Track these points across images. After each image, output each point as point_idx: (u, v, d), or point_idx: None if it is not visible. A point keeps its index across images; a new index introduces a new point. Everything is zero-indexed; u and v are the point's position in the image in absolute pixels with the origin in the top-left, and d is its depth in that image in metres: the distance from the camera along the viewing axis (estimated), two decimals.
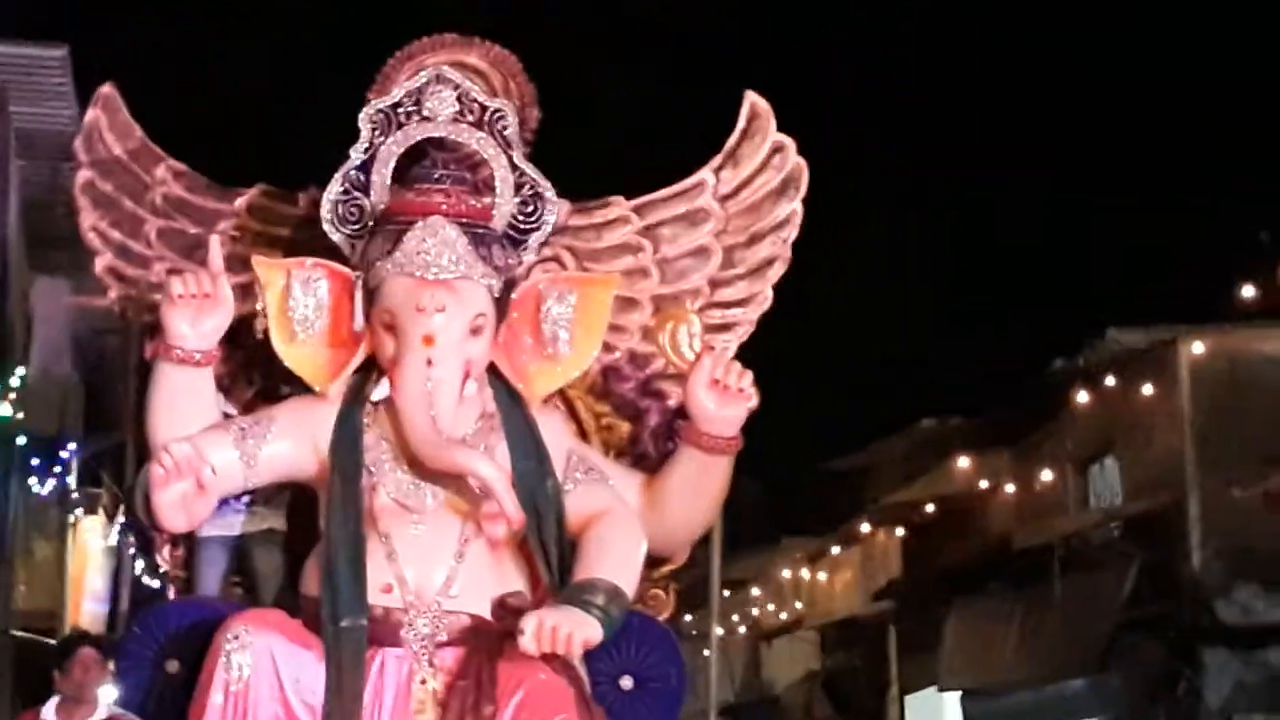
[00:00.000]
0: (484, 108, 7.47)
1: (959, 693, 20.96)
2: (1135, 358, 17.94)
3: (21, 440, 15.42)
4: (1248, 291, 15.54)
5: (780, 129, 8.08)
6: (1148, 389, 17.83)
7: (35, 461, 16.10)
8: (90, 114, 8.20)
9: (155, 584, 8.11)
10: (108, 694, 7.88)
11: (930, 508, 21.92)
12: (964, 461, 20.73)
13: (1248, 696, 16.58)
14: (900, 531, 23.08)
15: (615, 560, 6.97)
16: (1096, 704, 18.08)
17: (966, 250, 30.08)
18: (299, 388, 7.31)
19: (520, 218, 7.41)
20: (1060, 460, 19.80)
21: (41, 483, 16.45)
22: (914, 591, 22.18)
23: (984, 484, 20.85)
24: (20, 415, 14.98)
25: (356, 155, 7.41)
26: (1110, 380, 18.17)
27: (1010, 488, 20.44)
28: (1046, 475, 19.67)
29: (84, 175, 8.07)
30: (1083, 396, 18.46)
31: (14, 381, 14.72)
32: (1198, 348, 17.50)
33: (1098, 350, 18.11)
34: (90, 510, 18.18)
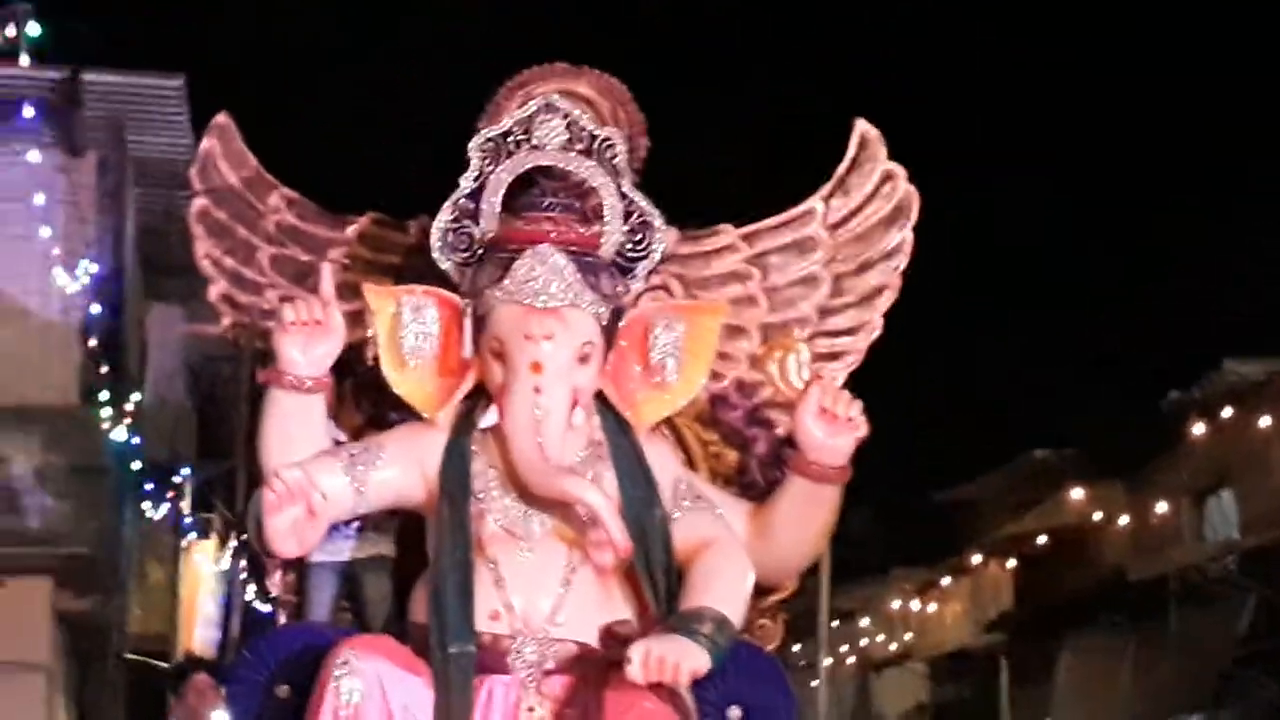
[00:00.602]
0: (593, 136, 7.48)
1: None
2: (1252, 389, 17.74)
3: (136, 465, 15.59)
4: None
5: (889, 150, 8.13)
6: (1265, 421, 17.62)
7: (149, 486, 16.28)
8: (205, 143, 8.30)
9: (266, 609, 8.16)
10: (221, 718, 7.95)
11: (1042, 539, 21.73)
12: (1077, 493, 20.56)
13: None
14: (1012, 563, 22.89)
15: (723, 589, 6.96)
16: None
17: (1084, 281, 29.84)
18: (408, 414, 7.35)
19: (629, 246, 7.42)
20: (1176, 492, 19.59)
21: (155, 507, 16.66)
22: (1026, 624, 21.99)
23: (1098, 516, 20.66)
24: (136, 442, 15.16)
25: (466, 184, 7.45)
26: (1227, 412, 17.97)
27: (1124, 520, 20.25)
28: (1161, 507, 19.47)
29: (199, 203, 8.16)
30: (1199, 428, 18.27)
31: (129, 407, 14.89)
32: None
33: (1214, 382, 17.93)
34: (203, 535, 18.38)
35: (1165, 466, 19.63)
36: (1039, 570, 22.03)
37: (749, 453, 7.73)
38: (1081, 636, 20.00)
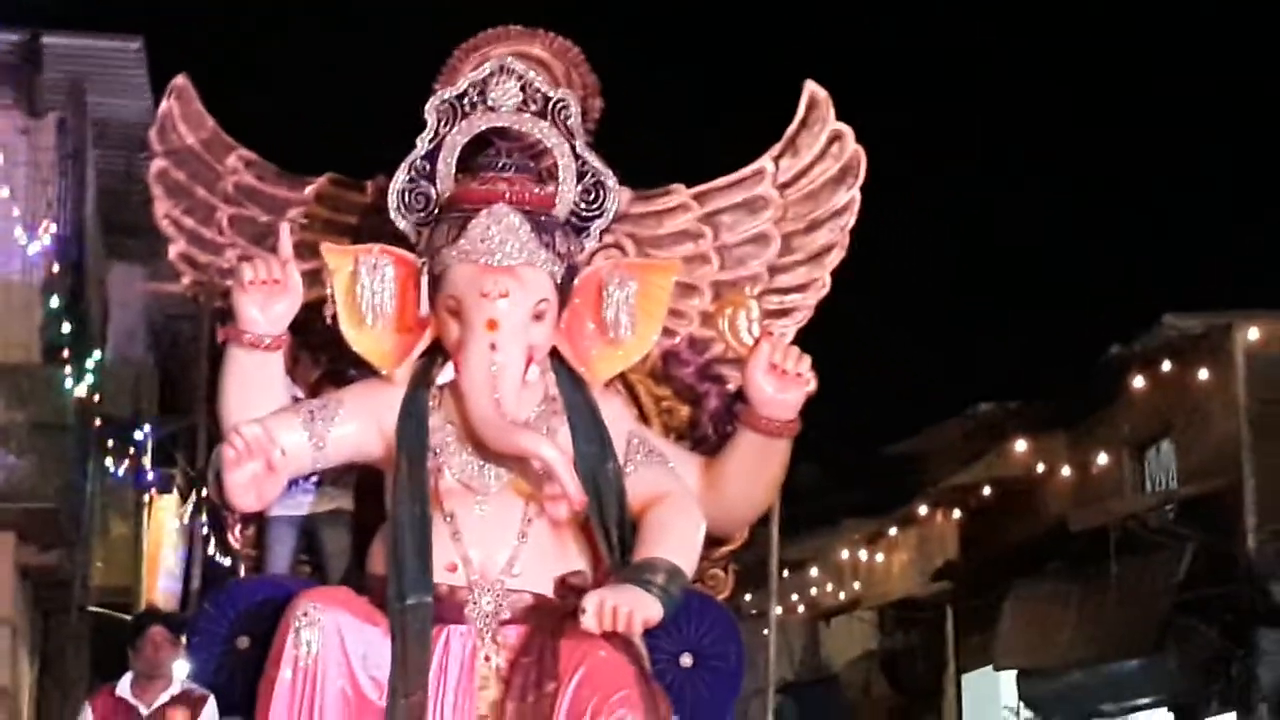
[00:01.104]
0: (547, 98, 7.48)
1: (1015, 672, 20.91)
2: (1191, 343, 17.84)
3: (98, 421, 15.55)
4: None
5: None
6: (1203, 374, 17.72)
7: (111, 442, 16.23)
8: (164, 105, 8.26)
9: (227, 562, 8.17)
10: (181, 669, 7.96)
11: (987, 490, 21.81)
12: (1021, 445, 20.62)
13: None
14: (958, 514, 22.97)
15: (675, 541, 6.99)
16: (1151, 684, 18.00)
17: (1024, 235, 29.94)
18: (366, 371, 7.35)
19: (583, 205, 7.43)
20: (1116, 444, 19.69)
21: (117, 464, 16.60)
22: (971, 573, 22.11)
23: (1041, 467, 20.73)
24: (98, 399, 15.10)
25: (423, 144, 7.44)
26: (1166, 365, 18.06)
27: (1067, 471, 20.33)
28: (1103, 459, 19.56)
29: (158, 164, 8.13)
30: (1139, 381, 18.36)
31: (91, 365, 14.83)
32: (1253, 333, 17.39)
33: (1154, 336, 18.01)
34: (164, 490, 18.32)
35: (1106, 419, 19.74)
36: (984, 520, 22.16)
37: (701, 407, 7.75)
38: (1025, 585, 20.10)
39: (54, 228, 14.37)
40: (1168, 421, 18.83)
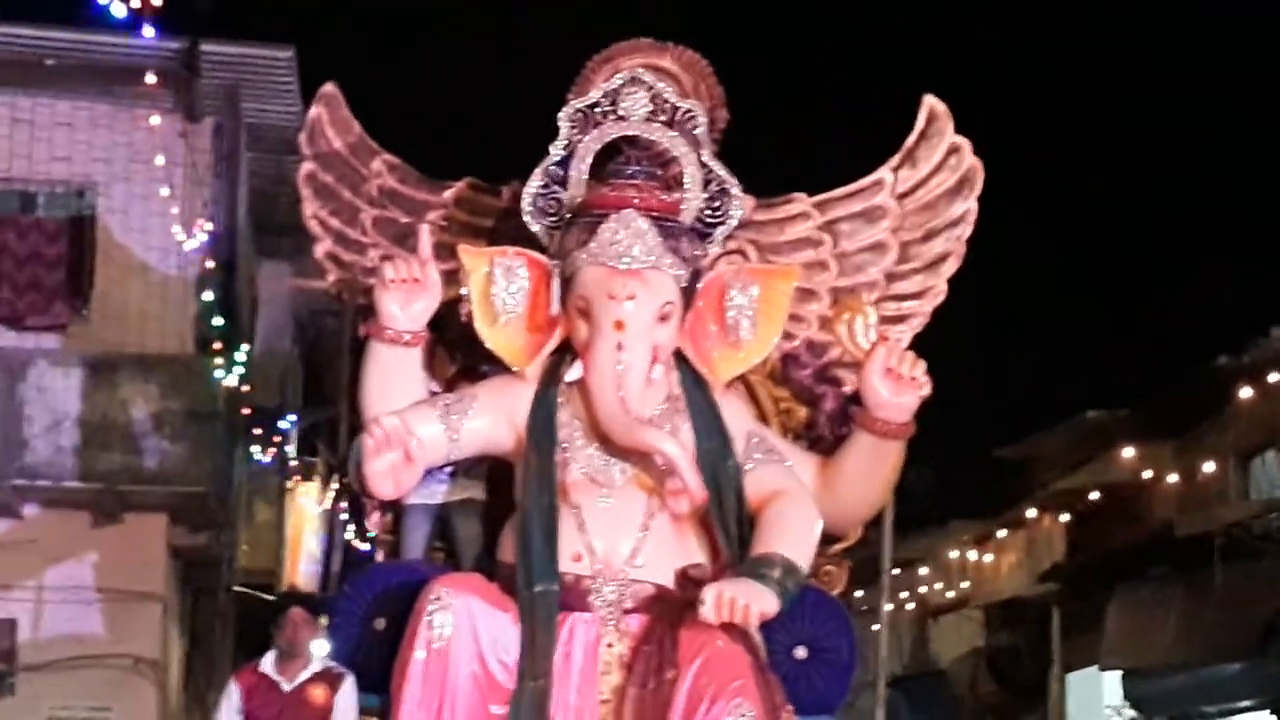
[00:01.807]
0: (675, 108, 7.47)
1: (1119, 672, 20.66)
2: None
3: (246, 411, 15.73)
4: None
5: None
6: None
7: (258, 431, 16.41)
8: (313, 111, 8.35)
9: (365, 547, 8.22)
10: (321, 648, 8.02)
11: (1095, 495, 21.55)
12: (1129, 451, 20.35)
13: None
14: (1065, 517, 22.73)
15: (792, 537, 6.96)
16: (1252, 687, 17.74)
17: (1136, 246, 29.59)
18: (499, 368, 7.38)
19: (708, 212, 7.42)
20: (1223, 452, 19.41)
21: (263, 451, 16.78)
22: (1078, 575, 21.86)
23: (1148, 473, 20.47)
24: (247, 389, 15.28)
25: (556, 151, 7.46)
26: (1274, 376, 17.77)
27: (1173, 478, 20.06)
28: (1209, 466, 19.28)
29: (307, 167, 8.22)
30: (1246, 391, 18.07)
31: (240, 357, 15.00)
32: None
33: (1262, 347, 17.73)
34: (307, 478, 18.51)
35: (1213, 428, 19.46)
36: (1090, 524, 21.91)
37: (818, 409, 7.72)
38: (1130, 587, 19.86)
39: (209, 226, 14.53)
40: (1274, 431, 18.54)
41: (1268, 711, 18.17)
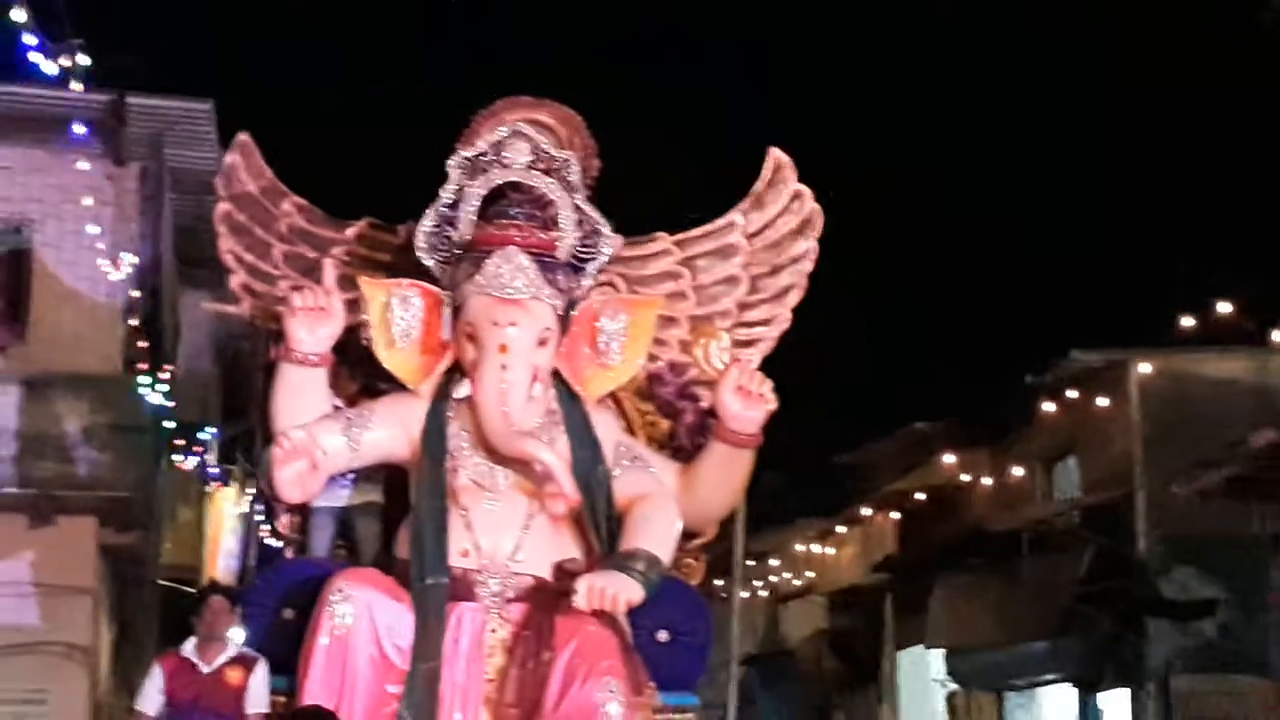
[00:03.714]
0: (553, 158, 7.48)
1: (943, 650, 20.88)
2: (1093, 375, 17.83)
3: (170, 424, 15.52)
4: (1188, 321, 15.47)
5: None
6: (1103, 401, 17.72)
7: (180, 442, 16.19)
8: (229, 157, 8.26)
9: (276, 545, 8.14)
10: (237, 635, 7.93)
11: (920, 496, 21.78)
12: (949, 458, 20.59)
13: (1183, 659, 16.47)
14: (895, 515, 22.95)
15: (655, 534, 6.98)
16: (1056, 663, 17.98)
17: (954, 280, 30.00)
18: (395, 386, 7.34)
19: (581, 249, 7.43)
20: (1030, 458, 19.69)
21: (185, 459, 16.54)
22: (906, 565, 22.07)
23: (965, 477, 20.71)
24: (170, 405, 15.08)
25: (446, 195, 7.43)
26: (1072, 393, 18.05)
27: (987, 480, 20.32)
28: (1018, 471, 19.55)
29: (222, 207, 8.12)
30: (1049, 406, 18.34)
31: (164, 375, 14.80)
32: (1145, 368, 17.39)
33: (1063, 367, 18.01)
34: (225, 483, 18.27)
35: (1021, 437, 19.75)
36: (917, 521, 22.15)
37: (679, 422, 7.74)
38: (951, 576, 20.09)
39: (134, 259, 14.30)
40: (1073, 440, 18.83)
41: (1069, 684, 18.44)
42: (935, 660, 21.59)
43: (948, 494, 21.10)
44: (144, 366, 14.13)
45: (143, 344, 14.27)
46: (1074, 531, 17.91)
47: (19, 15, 9.52)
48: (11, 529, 13.42)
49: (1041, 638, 17.73)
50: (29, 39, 9.67)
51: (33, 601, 13.56)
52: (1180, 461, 16.01)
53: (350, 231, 7.98)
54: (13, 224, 14.26)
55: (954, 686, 21.33)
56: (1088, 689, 18.08)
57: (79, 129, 13.07)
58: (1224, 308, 14.85)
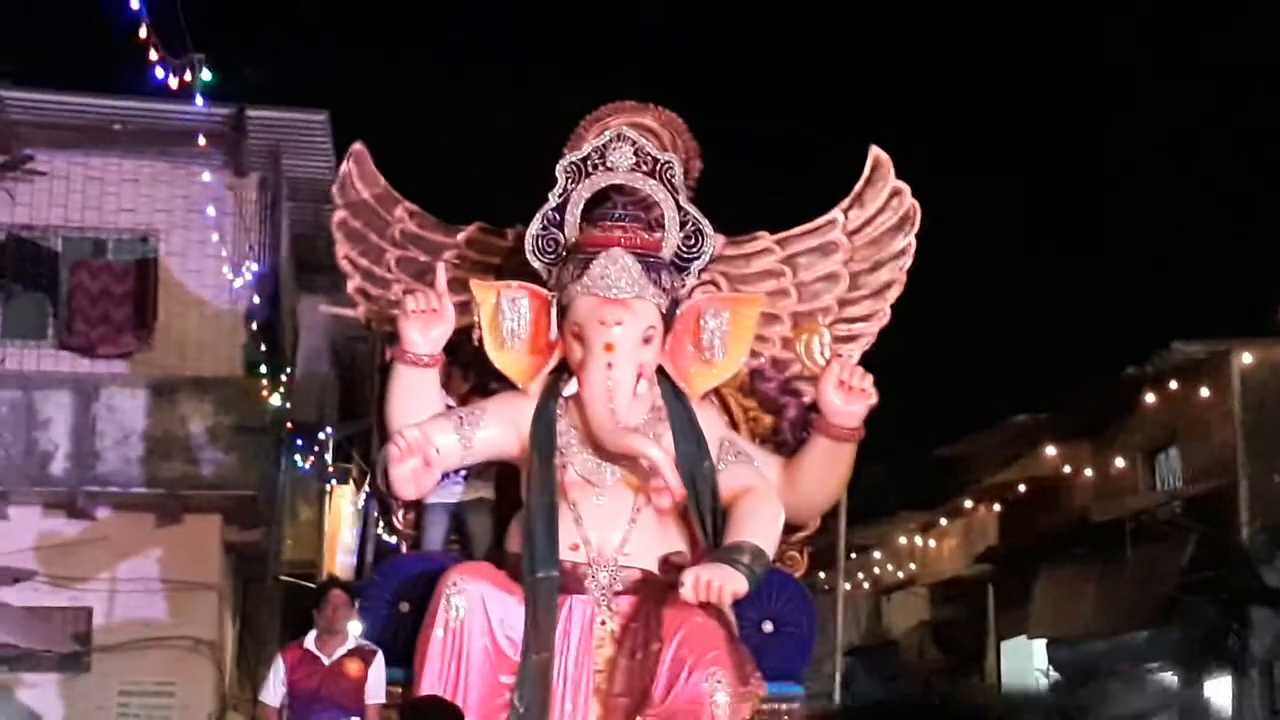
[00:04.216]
0: (656, 160, 7.51)
1: (1045, 640, 20.65)
2: (1194, 366, 17.54)
3: (289, 425, 15.69)
4: None
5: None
6: (1204, 391, 17.42)
7: (300, 442, 16.36)
8: (344, 166, 8.36)
9: (392, 541, 8.21)
10: (355, 628, 7.99)
11: (1022, 487, 21.52)
12: (1051, 450, 20.33)
13: None
14: (997, 507, 22.70)
15: (759, 527, 6.98)
16: (1159, 652, 17.71)
17: (1055, 273, 29.63)
18: (505, 385, 7.41)
19: (684, 249, 7.44)
20: (1131, 450, 19.40)
21: (304, 459, 16.70)
22: (1009, 556, 21.83)
23: (1067, 469, 20.46)
24: (289, 406, 15.24)
25: (554, 199, 7.49)
26: (1173, 384, 17.77)
27: (1089, 472, 20.06)
28: (1120, 462, 19.27)
29: (338, 215, 8.22)
30: (1150, 397, 18.07)
31: (284, 378, 14.96)
32: (1247, 358, 17.08)
33: (1163, 358, 17.73)
34: (342, 481, 18.43)
35: (1123, 428, 19.47)
36: (1019, 513, 21.89)
37: (782, 417, 7.73)
38: (1053, 567, 19.85)
39: (255, 266, 14.48)
40: (1175, 431, 18.54)
41: (1171, 673, 18.17)
42: (1038, 650, 21.34)
43: (1049, 485, 20.84)
44: (264, 370, 14.30)
45: (263, 348, 14.44)
46: (1176, 521, 17.64)
47: (143, 33, 9.67)
48: (140, 528, 13.63)
49: (1144, 627, 17.48)
50: (154, 56, 9.82)
51: (160, 597, 13.77)
52: None
53: (460, 236, 8.05)
54: (139, 234, 14.47)
55: (1056, 676, 21.09)
56: (1191, 678, 17.80)
57: (202, 142, 13.26)
58: None
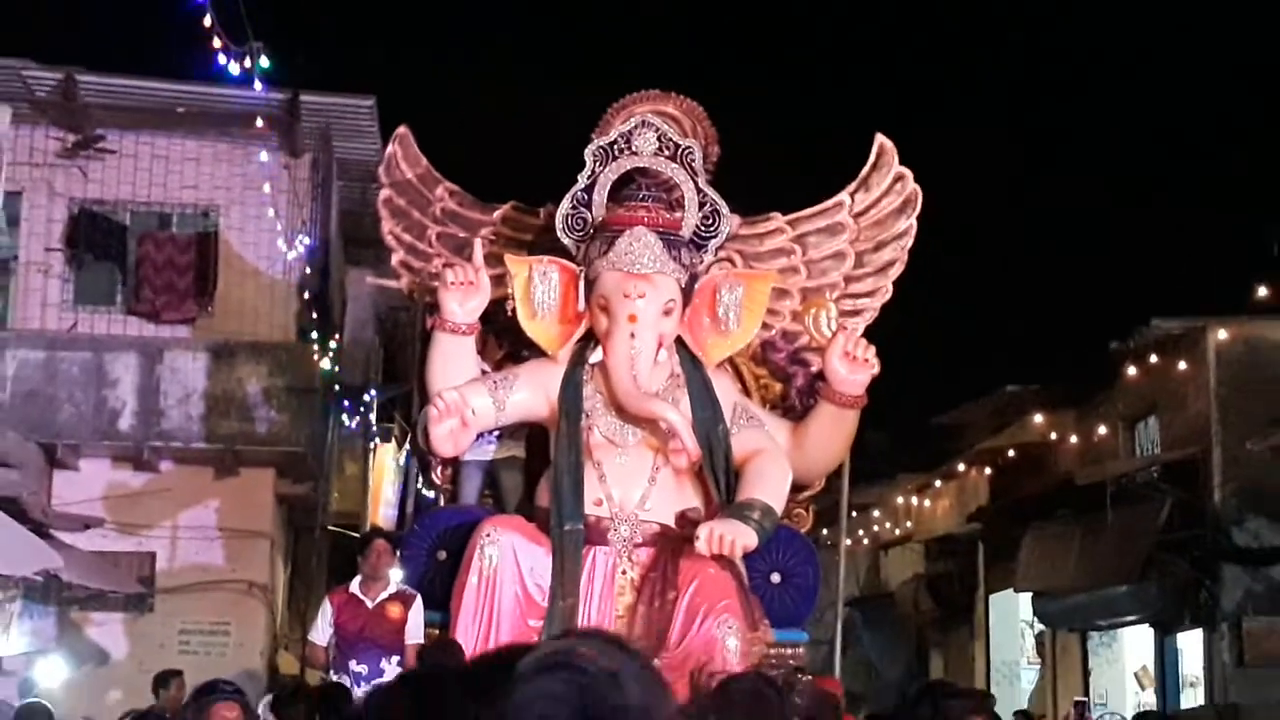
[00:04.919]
0: (677, 145, 7.48)
1: (1030, 594, 20.63)
2: (1173, 341, 17.44)
3: (337, 387, 15.71)
4: (1262, 290, 15.08)
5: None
6: (1182, 365, 17.33)
7: (347, 403, 16.38)
8: (390, 148, 8.36)
9: (430, 495, 8.22)
10: (396, 574, 8.01)
11: (1011, 453, 21.46)
12: (1038, 418, 20.26)
13: (1254, 602, 16.09)
14: (988, 471, 22.65)
15: (768, 486, 6.98)
16: (1136, 605, 17.65)
17: (1044, 253, 29.48)
18: (536, 352, 7.41)
19: (703, 228, 7.42)
20: (1113, 419, 19.32)
21: (351, 419, 16.73)
22: (998, 516, 21.78)
23: (1053, 435, 20.40)
24: (337, 369, 15.26)
25: (582, 180, 7.48)
26: (1154, 358, 17.69)
27: (1074, 439, 19.99)
28: (1102, 430, 19.19)
29: (384, 193, 8.22)
30: (1131, 370, 17.97)
31: (332, 344, 14.97)
32: (1222, 334, 16.97)
33: (1144, 334, 17.63)
34: (385, 439, 18.45)
35: (1106, 399, 19.39)
36: (1008, 476, 21.84)
37: (790, 385, 7.73)
38: (1039, 526, 19.80)
39: (306, 240, 14.48)
40: (1154, 402, 18.44)
41: (1147, 625, 18.13)
42: (1024, 603, 21.32)
43: (1037, 451, 20.79)
44: (315, 336, 14.32)
45: (314, 316, 14.45)
46: (1154, 485, 17.56)
47: (206, 22, 9.66)
48: (199, 480, 13.68)
49: (1123, 583, 17.41)
50: (216, 44, 9.81)
51: (218, 545, 13.82)
52: (1253, 420, 15.64)
53: (496, 214, 8.04)
54: (201, 209, 14.49)
55: (1041, 627, 21.08)
56: (1165, 630, 17.76)
57: (258, 124, 13.25)
58: None
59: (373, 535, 8.36)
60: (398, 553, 7.87)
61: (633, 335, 6.90)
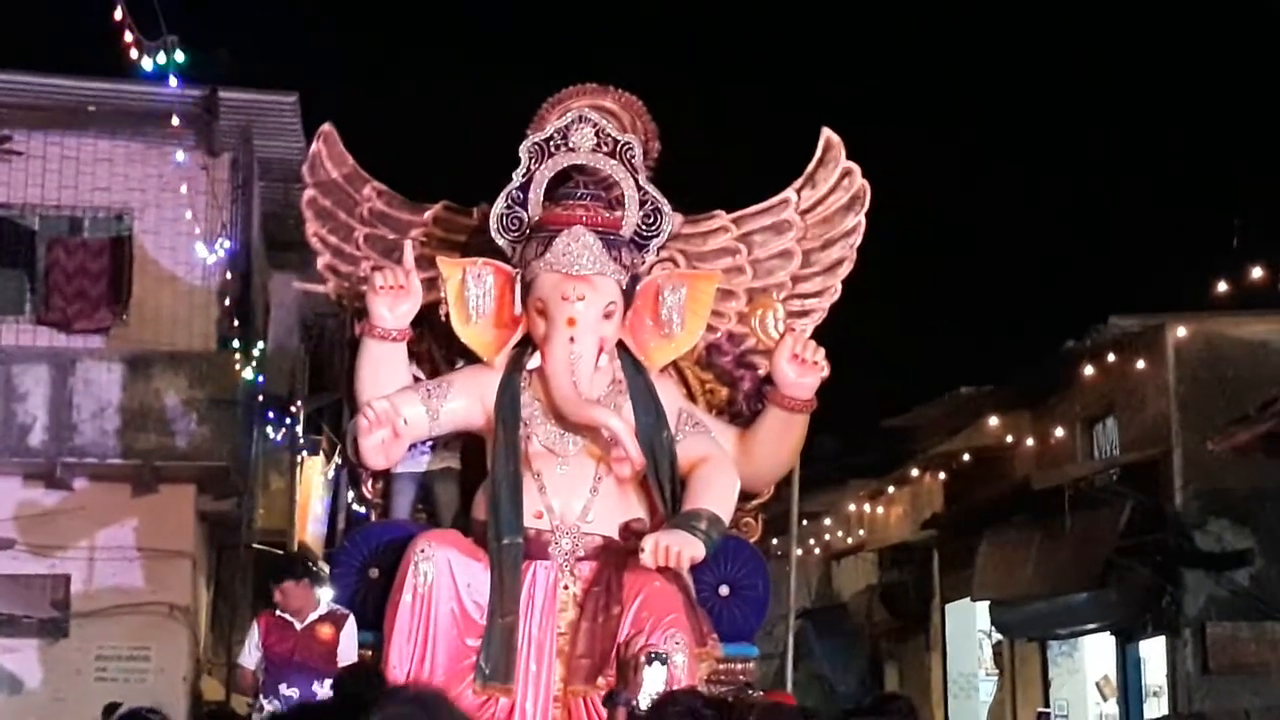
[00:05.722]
0: (616, 141, 7.49)
1: (988, 602, 20.78)
2: (1131, 339, 17.62)
3: (261, 398, 15.61)
4: (1222, 286, 15.28)
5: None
6: (1141, 364, 17.51)
7: (271, 414, 16.28)
8: (314, 146, 8.32)
9: (362, 510, 8.19)
10: (326, 594, 7.96)
11: (966, 457, 21.60)
12: (994, 420, 20.41)
13: (1217, 608, 16.28)
14: (942, 475, 22.77)
15: (715, 495, 7.00)
16: (1096, 613, 17.81)
17: (997, 251, 29.71)
18: (471, 359, 7.39)
19: (644, 227, 7.43)
20: (1070, 420, 19.50)
21: (276, 431, 16.62)
22: (953, 522, 21.91)
23: (1009, 438, 20.55)
24: (261, 379, 15.17)
25: (517, 178, 7.46)
26: (1111, 357, 17.86)
27: (1030, 441, 20.15)
28: (1059, 432, 19.35)
29: (308, 194, 8.18)
30: (1089, 370, 18.14)
31: (255, 353, 14.89)
32: (1181, 332, 17.17)
33: (1101, 333, 17.81)
34: (313, 452, 18.34)
35: (1063, 400, 19.56)
36: (963, 481, 21.99)
37: (737, 389, 7.75)
38: (996, 532, 19.95)
39: (227, 244, 14.38)
40: (1112, 402, 18.63)
41: (1108, 633, 18.31)
42: (981, 612, 21.47)
43: (992, 455, 20.93)
44: (237, 344, 14.22)
45: (235, 323, 14.36)
46: (1113, 488, 17.73)
47: (118, 15, 9.57)
48: (116, 497, 13.56)
49: (1083, 589, 17.57)
50: (128, 38, 9.72)
51: (137, 565, 13.70)
52: (1214, 420, 15.82)
53: (427, 214, 8.01)
54: (114, 212, 14.36)
55: (999, 637, 21.22)
56: (1127, 638, 17.93)
57: (175, 122, 13.15)
58: (1256, 272, 14.61)
59: (283, 574, 8.14)
60: (312, 583, 7.84)
61: (572, 339, 6.91)
